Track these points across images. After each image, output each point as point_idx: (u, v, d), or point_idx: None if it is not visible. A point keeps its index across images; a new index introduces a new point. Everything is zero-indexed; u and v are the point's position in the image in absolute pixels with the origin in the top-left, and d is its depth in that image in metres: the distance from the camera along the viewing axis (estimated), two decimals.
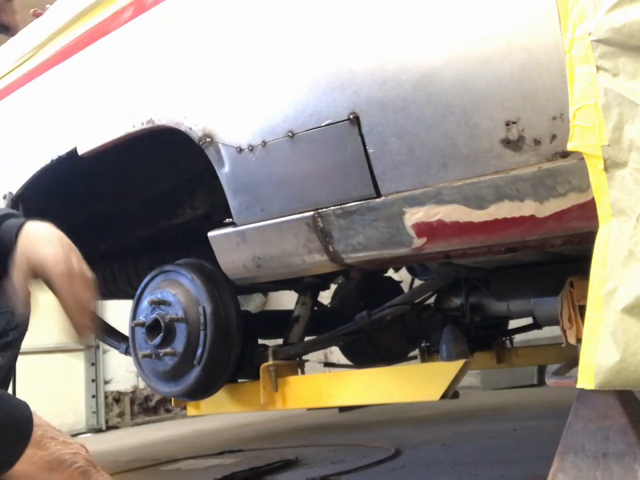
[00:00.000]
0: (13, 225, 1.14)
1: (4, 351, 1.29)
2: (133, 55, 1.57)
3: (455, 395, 1.44)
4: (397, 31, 1.10)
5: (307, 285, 1.97)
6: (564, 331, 1.29)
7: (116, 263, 2.32)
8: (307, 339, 1.89)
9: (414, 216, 1.14)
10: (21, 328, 1.33)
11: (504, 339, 2.44)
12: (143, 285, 1.77)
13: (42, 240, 1.09)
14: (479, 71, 1.01)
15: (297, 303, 1.95)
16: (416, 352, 2.48)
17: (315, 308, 2.02)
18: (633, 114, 0.81)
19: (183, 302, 1.62)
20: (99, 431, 4.72)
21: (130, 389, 4.98)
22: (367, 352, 2.31)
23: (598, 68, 0.83)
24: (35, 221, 1.14)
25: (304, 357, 1.78)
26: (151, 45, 1.53)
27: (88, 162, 1.66)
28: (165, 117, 1.45)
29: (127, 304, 1.92)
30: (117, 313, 3.65)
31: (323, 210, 1.24)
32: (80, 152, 1.64)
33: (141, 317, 1.69)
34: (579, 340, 1.22)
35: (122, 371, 4.85)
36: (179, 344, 1.60)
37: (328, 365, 2.58)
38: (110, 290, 2.31)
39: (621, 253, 0.82)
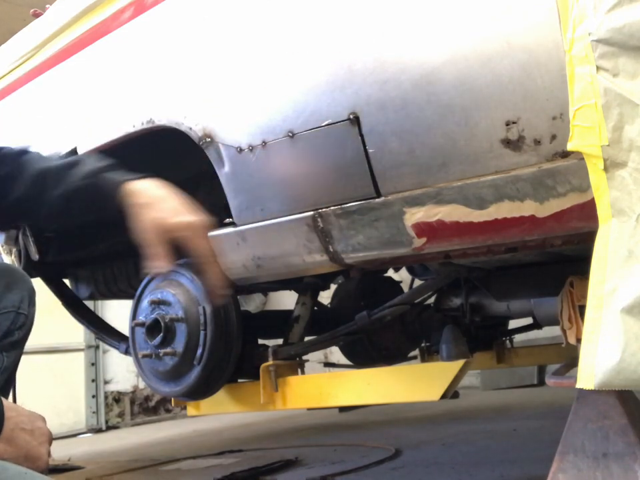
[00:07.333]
0: (113, 179, 1.15)
1: (9, 350, 1.28)
2: (132, 55, 1.57)
3: (455, 395, 1.43)
4: (397, 30, 1.10)
5: (307, 285, 1.97)
6: (564, 331, 1.29)
7: (116, 263, 2.31)
8: (307, 338, 1.89)
9: (414, 216, 1.14)
10: (26, 328, 1.32)
11: (504, 338, 2.44)
12: (142, 285, 1.76)
13: (159, 199, 1.09)
14: (479, 70, 1.01)
15: (297, 303, 1.95)
16: (416, 352, 2.47)
17: (315, 308, 2.02)
18: (633, 114, 0.80)
19: (183, 302, 1.62)
20: (98, 430, 4.71)
21: (130, 388, 4.98)
22: (367, 352, 2.30)
23: (598, 68, 0.83)
24: (139, 180, 1.14)
25: (304, 357, 1.78)
26: (151, 45, 1.53)
27: None
28: (164, 117, 1.45)
29: (127, 304, 1.92)
30: (117, 313, 3.66)
31: (323, 210, 1.24)
32: (80, 152, 1.64)
33: (140, 317, 1.68)
34: (578, 340, 1.22)
35: (122, 370, 4.85)
36: (179, 344, 1.60)
37: (328, 365, 2.58)
38: (110, 290, 2.31)
39: (621, 252, 0.82)
